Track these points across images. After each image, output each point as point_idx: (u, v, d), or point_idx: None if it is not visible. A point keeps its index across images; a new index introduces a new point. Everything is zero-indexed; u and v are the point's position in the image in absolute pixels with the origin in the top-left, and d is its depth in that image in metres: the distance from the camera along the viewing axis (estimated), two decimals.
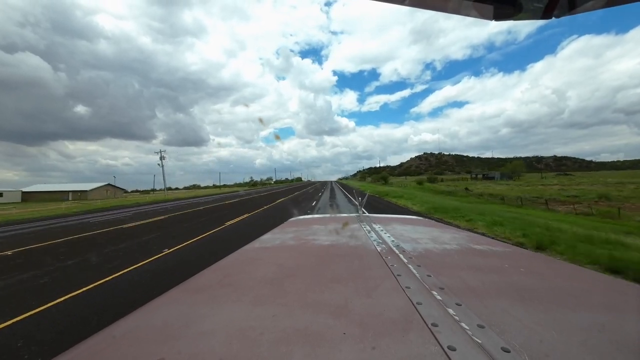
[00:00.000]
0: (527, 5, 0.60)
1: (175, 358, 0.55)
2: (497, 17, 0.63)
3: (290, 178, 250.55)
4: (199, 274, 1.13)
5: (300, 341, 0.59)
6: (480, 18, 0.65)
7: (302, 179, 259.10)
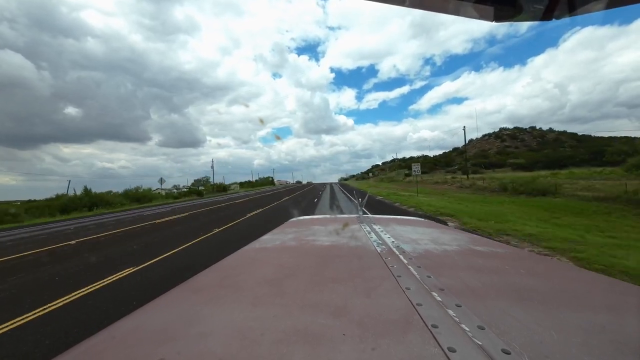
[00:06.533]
0: (527, 6, 0.60)
1: (175, 358, 0.55)
2: (497, 18, 0.63)
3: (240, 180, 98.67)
4: (199, 274, 1.13)
5: (300, 342, 0.59)
6: (480, 19, 0.65)
7: (275, 182, 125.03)
